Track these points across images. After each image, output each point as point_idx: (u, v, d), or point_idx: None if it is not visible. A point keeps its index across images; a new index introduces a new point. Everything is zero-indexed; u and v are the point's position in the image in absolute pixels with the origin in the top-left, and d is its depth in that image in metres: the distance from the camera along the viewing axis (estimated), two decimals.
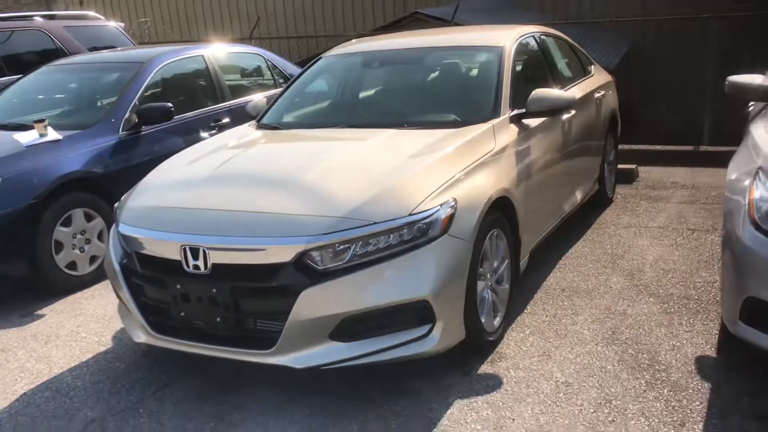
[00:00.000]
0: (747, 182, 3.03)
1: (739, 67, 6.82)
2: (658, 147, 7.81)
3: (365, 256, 2.99)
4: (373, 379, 3.32)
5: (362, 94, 4.72)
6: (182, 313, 3.21)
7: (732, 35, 9.73)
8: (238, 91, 6.60)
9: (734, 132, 8.04)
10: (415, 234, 3.05)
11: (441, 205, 3.13)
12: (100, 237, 5.03)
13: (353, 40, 5.60)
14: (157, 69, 5.84)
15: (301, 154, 3.85)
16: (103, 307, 4.55)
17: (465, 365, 3.40)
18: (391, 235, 3.02)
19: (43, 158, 4.78)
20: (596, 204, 5.84)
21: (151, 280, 3.30)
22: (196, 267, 3.11)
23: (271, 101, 4.83)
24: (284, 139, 4.19)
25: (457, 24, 10.50)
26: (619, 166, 6.73)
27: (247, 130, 4.47)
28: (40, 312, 4.55)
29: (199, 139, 5.77)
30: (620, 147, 7.46)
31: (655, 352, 3.42)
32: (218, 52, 6.64)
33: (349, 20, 14.62)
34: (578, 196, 5.14)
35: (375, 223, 3.00)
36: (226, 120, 6.12)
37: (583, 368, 3.32)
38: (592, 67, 6.03)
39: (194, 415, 3.19)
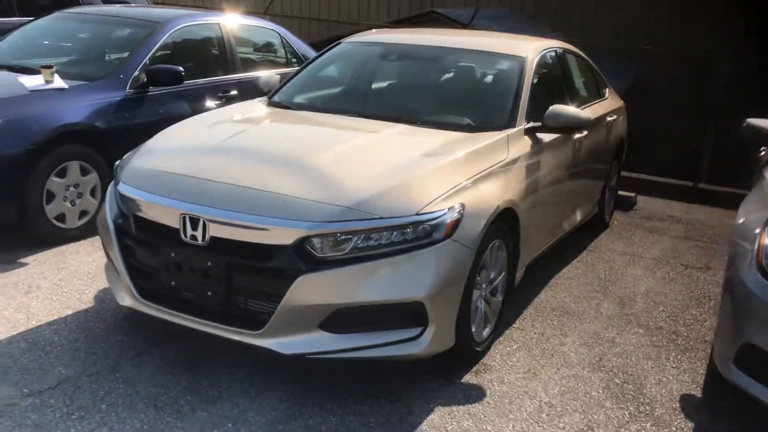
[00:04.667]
0: (757, 229, 3.01)
1: (745, 107, 6.91)
2: (658, 178, 7.81)
3: (366, 249, 2.94)
4: (355, 374, 3.28)
5: (378, 85, 4.65)
6: (172, 282, 3.14)
7: (740, 74, 9.75)
8: (250, 64, 6.51)
9: (734, 173, 8.10)
10: (419, 234, 3.00)
11: (448, 208, 3.08)
12: (93, 192, 4.94)
13: (373, 30, 5.53)
14: (172, 31, 5.72)
15: (311, 137, 3.79)
16: (88, 264, 4.46)
17: (449, 372, 3.36)
18: (395, 232, 2.97)
19: (46, 105, 4.67)
20: (593, 227, 5.82)
21: (144, 245, 3.23)
22: (194, 237, 3.04)
23: (285, 79, 4.75)
24: (295, 120, 4.12)
25: (473, 28, 10.46)
26: (619, 192, 6.73)
27: (258, 106, 4.40)
28: (23, 260, 4.46)
29: (205, 108, 5.71)
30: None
31: (641, 384, 3.40)
32: (234, 22, 6.53)
33: (364, 9, 14.52)
34: (578, 216, 5.12)
35: (380, 218, 2.95)
36: (234, 92, 6.03)
37: (568, 391, 3.29)
38: (607, 90, 6.00)
39: (170, 386, 3.13)
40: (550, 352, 3.67)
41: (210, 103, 5.81)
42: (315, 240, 2.92)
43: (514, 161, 3.75)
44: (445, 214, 3.06)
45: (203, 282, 3.05)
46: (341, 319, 2.96)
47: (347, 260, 2.92)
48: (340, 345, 2.99)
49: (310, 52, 7.29)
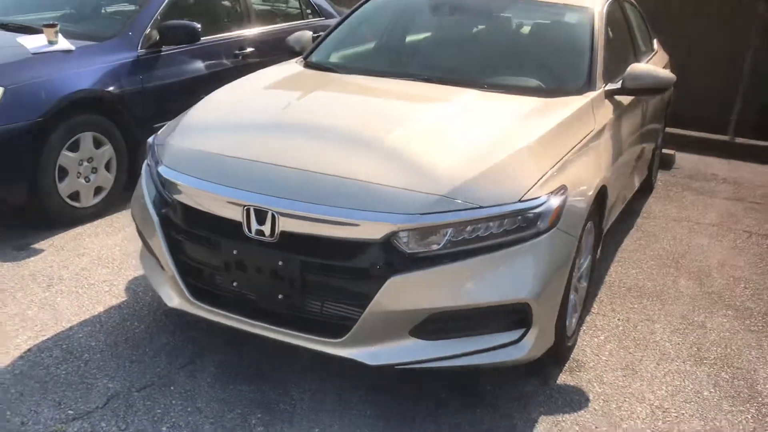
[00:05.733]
0: None
1: None
2: (692, 132, 7.43)
3: (461, 244, 2.53)
4: (440, 379, 2.91)
5: (431, 44, 4.14)
6: (234, 283, 2.71)
7: None
8: (264, 18, 5.95)
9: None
10: (520, 224, 2.58)
11: (552, 192, 2.67)
12: (107, 166, 4.45)
13: None
14: None
15: (377, 109, 3.29)
16: (110, 249, 4.01)
17: (541, 372, 3.00)
18: (492, 223, 2.55)
19: (53, 70, 4.14)
20: (640, 190, 5.43)
21: (197, 239, 2.78)
22: (260, 233, 2.60)
23: (320, 37, 4.24)
24: (350, 87, 3.61)
25: None
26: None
27: (297, 69, 3.90)
28: (37, 246, 4.00)
29: (221, 68, 5.21)
30: None
31: (752, 379, 3.07)
32: None
33: None
34: (636, 182, 4.74)
35: (481, 207, 2.53)
36: (251, 49, 5.50)
37: (677, 391, 2.95)
38: (655, 41, 5.56)
39: (234, 400, 2.74)
40: (643, 342, 3.32)
41: (226, 62, 5.29)
42: (403, 234, 2.50)
43: (602, 130, 3.33)
44: (549, 199, 2.64)
45: (273, 283, 2.63)
46: (435, 324, 2.56)
47: (442, 257, 2.51)
48: (433, 353, 2.60)
49: (325, 3, 6.74)
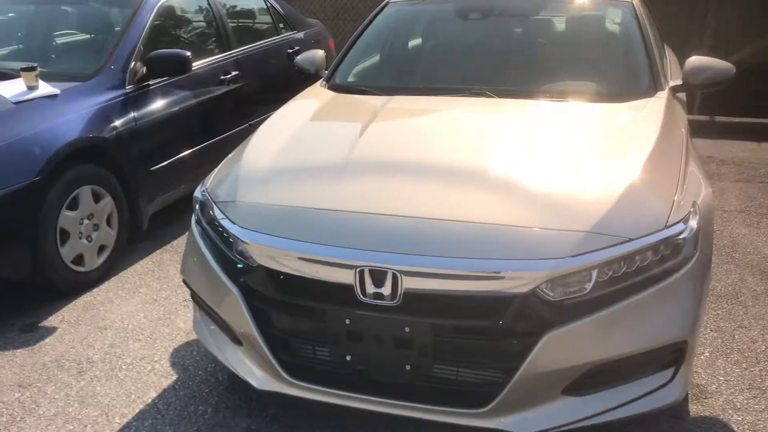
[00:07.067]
0: None
1: None
2: None
3: (610, 283, 2.23)
4: None
5: (468, 53, 3.75)
6: (348, 357, 2.32)
7: None
8: (241, 38, 5.47)
9: (724, 101, 7.63)
10: (664, 253, 2.30)
11: (690, 213, 2.40)
12: (108, 221, 3.93)
13: None
14: (157, 6, 4.62)
15: (458, 136, 2.89)
16: (132, 316, 3.53)
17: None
18: (638, 256, 2.26)
19: (41, 120, 3.60)
20: None
21: (293, 309, 2.37)
22: (378, 296, 2.23)
23: (339, 56, 3.85)
24: (405, 112, 3.21)
25: None
26: None
27: (329, 94, 3.50)
28: (47, 324, 3.47)
29: (210, 95, 4.77)
30: None
31: None
32: None
33: None
34: None
35: (630, 239, 2.24)
36: (235, 73, 5.05)
37: None
38: None
39: None
40: (752, 354, 3.11)
41: (213, 89, 4.83)
42: (546, 282, 2.17)
43: (686, 131, 3.10)
44: (690, 221, 2.38)
45: (397, 353, 2.26)
46: (591, 379, 2.26)
47: (594, 302, 2.19)
48: (586, 411, 2.29)
49: (295, 14, 6.34)
